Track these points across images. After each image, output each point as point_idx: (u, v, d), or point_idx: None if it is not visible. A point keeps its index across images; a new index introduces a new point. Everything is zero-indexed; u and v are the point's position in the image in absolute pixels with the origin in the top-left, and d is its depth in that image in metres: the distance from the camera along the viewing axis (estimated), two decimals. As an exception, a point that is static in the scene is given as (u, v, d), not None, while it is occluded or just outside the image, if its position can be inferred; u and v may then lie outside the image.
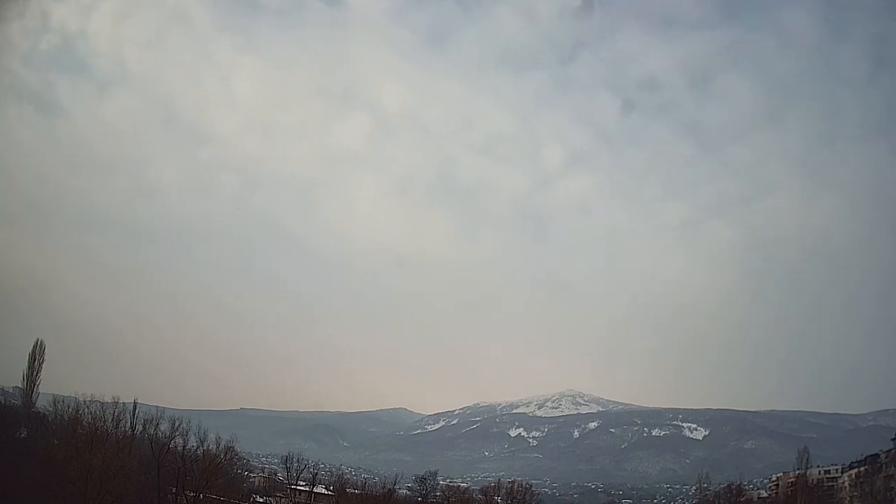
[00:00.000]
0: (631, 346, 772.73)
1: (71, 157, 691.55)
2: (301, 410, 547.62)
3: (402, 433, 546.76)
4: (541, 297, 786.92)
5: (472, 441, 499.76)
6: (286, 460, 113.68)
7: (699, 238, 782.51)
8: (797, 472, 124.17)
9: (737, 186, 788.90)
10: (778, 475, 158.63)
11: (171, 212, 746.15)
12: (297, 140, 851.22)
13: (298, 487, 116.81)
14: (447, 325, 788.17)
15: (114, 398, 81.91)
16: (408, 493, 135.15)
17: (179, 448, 77.02)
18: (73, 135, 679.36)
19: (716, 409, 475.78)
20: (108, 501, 58.51)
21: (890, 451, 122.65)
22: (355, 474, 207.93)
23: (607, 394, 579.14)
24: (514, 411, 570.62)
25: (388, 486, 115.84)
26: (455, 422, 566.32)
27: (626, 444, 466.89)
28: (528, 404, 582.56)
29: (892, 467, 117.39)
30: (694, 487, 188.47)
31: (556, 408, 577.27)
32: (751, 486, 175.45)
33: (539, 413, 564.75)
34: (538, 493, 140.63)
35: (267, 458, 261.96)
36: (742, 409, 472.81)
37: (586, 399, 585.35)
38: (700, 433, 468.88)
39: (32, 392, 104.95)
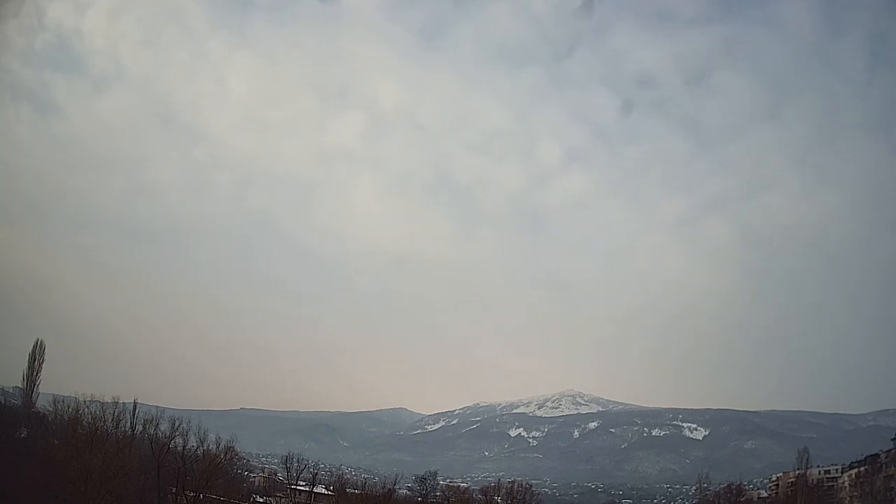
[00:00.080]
0: (631, 345, 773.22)
1: (68, 156, 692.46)
2: (301, 410, 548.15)
3: (402, 433, 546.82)
4: (540, 297, 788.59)
5: (472, 441, 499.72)
6: (286, 460, 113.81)
7: (698, 236, 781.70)
8: (797, 472, 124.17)
9: (735, 183, 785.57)
10: (778, 475, 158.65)
11: (168, 211, 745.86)
12: (292, 138, 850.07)
13: (298, 487, 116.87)
14: (447, 324, 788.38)
15: (114, 398, 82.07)
16: (408, 493, 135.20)
17: (179, 448, 77.05)
18: (69, 133, 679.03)
19: (716, 409, 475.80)
20: (108, 501, 58.51)
21: (890, 451, 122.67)
22: (355, 474, 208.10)
23: (607, 394, 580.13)
24: (514, 411, 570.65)
25: (388, 486, 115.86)
26: (455, 422, 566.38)
27: (626, 444, 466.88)
28: (528, 404, 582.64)
29: (892, 467, 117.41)
30: (694, 487, 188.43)
31: (556, 408, 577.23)
32: (751, 486, 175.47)
33: (539, 413, 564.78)
34: (538, 493, 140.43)
35: (267, 458, 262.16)
36: (742, 409, 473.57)
37: (586, 399, 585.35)
38: (700, 433, 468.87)
39: (32, 392, 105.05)
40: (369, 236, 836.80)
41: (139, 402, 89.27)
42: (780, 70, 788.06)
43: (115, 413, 77.03)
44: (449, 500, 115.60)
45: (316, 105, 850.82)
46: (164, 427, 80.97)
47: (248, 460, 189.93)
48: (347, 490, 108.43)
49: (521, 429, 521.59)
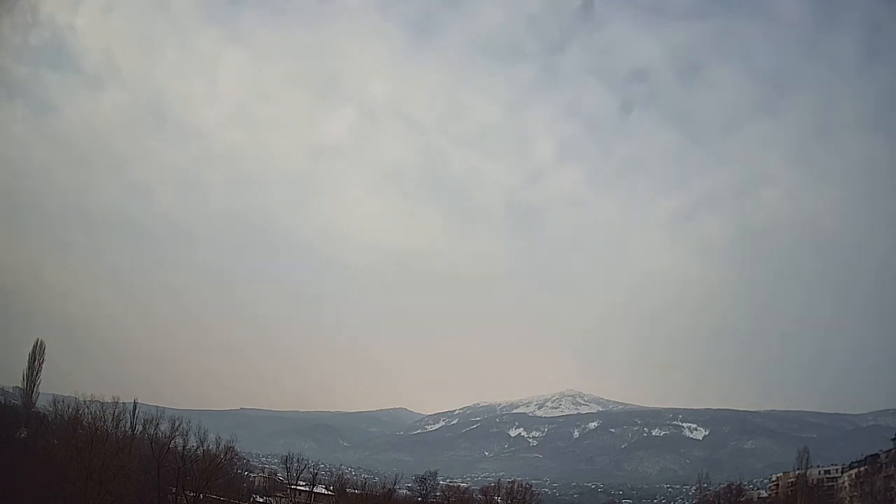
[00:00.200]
0: (630, 345, 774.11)
1: (63, 153, 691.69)
2: (301, 410, 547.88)
3: (402, 433, 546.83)
4: (538, 296, 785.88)
5: (472, 441, 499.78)
6: (286, 460, 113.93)
7: (693, 232, 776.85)
8: (797, 472, 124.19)
9: (730, 179, 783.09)
10: (778, 475, 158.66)
11: (163, 209, 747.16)
12: (283, 134, 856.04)
13: (298, 487, 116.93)
14: (446, 324, 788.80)
15: (114, 398, 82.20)
16: (408, 493, 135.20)
17: (179, 448, 77.08)
18: (64, 131, 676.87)
19: (716, 409, 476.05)
20: (108, 501, 58.49)
21: (890, 451, 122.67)
22: (355, 474, 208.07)
23: (607, 394, 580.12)
24: (514, 411, 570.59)
25: (388, 486, 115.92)
26: (455, 422, 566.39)
27: (626, 444, 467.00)
28: (528, 404, 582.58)
29: (892, 467, 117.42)
30: (694, 487, 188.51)
31: (556, 408, 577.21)
32: (751, 486, 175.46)
33: (539, 413, 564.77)
34: (538, 493, 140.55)
35: (267, 458, 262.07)
36: (742, 409, 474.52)
37: (586, 399, 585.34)
38: (700, 433, 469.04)
39: (32, 392, 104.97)
40: (365, 234, 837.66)
41: (139, 402, 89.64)
42: (774, 63, 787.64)
43: (115, 413, 77.06)
44: (449, 500, 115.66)
45: (307, 100, 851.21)
46: (164, 427, 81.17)
47: (248, 460, 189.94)
48: (347, 490, 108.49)
49: (521, 429, 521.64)
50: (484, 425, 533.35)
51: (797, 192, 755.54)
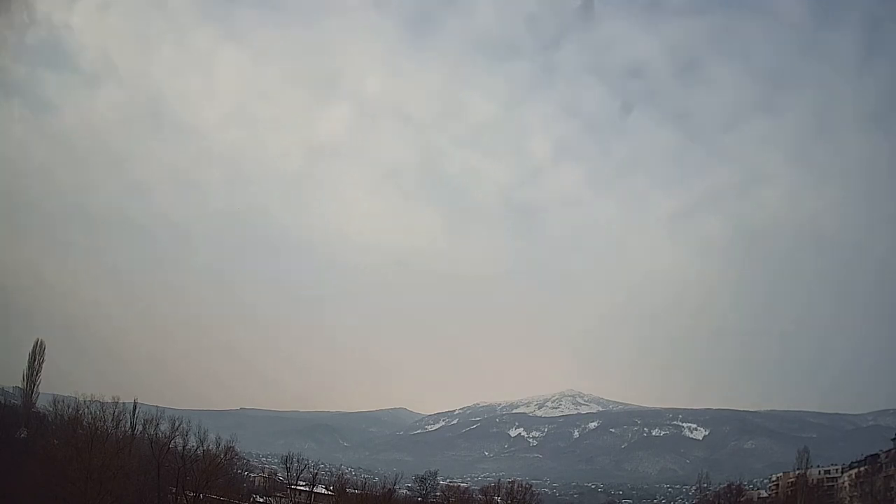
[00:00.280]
0: (630, 345, 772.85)
1: (61, 153, 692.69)
2: (301, 410, 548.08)
3: (402, 433, 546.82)
4: (538, 296, 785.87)
5: (472, 441, 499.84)
6: (286, 460, 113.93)
7: (692, 231, 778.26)
8: (797, 472, 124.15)
9: (728, 177, 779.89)
10: (778, 475, 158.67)
11: (162, 208, 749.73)
12: (281, 132, 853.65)
13: (298, 487, 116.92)
14: (447, 324, 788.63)
15: (114, 398, 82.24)
16: (408, 493, 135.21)
17: (179, 448, 77.07)
18: (62, 130, 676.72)
19: (716, 409, 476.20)
20: (108, 501, 58.49)
21: (890, 451, 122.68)
22: (355, 474, 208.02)
23: (607, 394, 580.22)
24: (514, 411, 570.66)
25: (388, 486, 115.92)
26: (455, 422, 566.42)
27: (626, 444, 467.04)
28: (528, 404, 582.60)
29: (892, 467, 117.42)
30: (694, 487, 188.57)
31: (556, 408, 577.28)
32: (751, 486, 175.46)
33: (539, 413, 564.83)
34: (538, 493, 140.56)
35: (267, 458, 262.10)
36: (742, 409, 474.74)
37: (586, 399, 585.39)
38: (700, 433, 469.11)
39: (32, 392, 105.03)
40: (365, 234, 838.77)
41: (139, 402, 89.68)
42: (773, 60, 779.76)
43: (115, 413, 77.08)
44: (449, 500, 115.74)
45: (305, 99, 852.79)
46: (164, 427, 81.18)
47: (248, 460, 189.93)
48: (347, 490, 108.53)
49: (521, 429, 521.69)
50: (484, 425, 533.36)
51: (797, 191, 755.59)
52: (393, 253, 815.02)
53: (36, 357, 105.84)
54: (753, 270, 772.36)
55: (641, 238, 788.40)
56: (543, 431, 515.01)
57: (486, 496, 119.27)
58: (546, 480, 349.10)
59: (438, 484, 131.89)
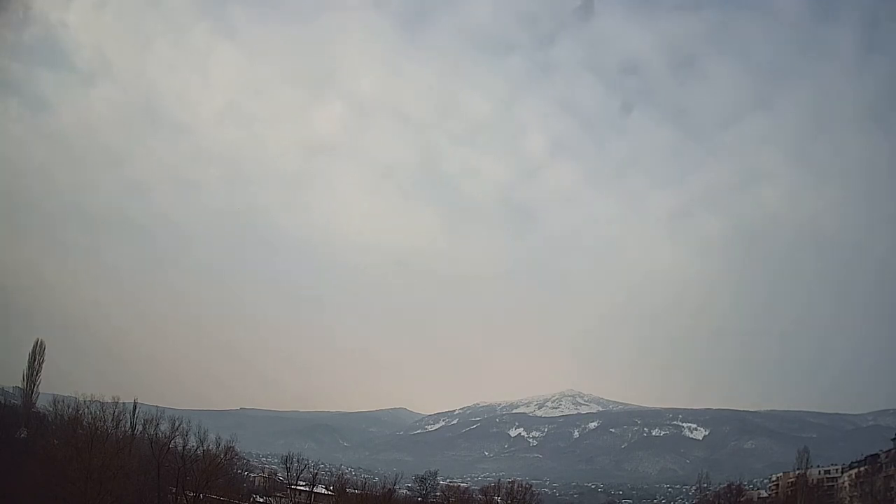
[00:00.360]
0: (630, 345, 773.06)
1: (59, 152, 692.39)
2: (301, 410, 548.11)
3: (402, 433, 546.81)
4: (538, 296, 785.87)
5: (472, 441, 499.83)
6: (286, 460, 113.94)
7: (690, 229, 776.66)
8: (797, 472, 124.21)
9: (726, 175, 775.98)
10: (778, 475, 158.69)
11: (159, 207, 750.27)
12: (277, 130, 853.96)
13: (298, 487, 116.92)
14: (447, 324, 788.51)
15: (114, 398, 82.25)
16: (408, 493, 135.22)
17: (179, 448, 77.07)
18: (59, 129, 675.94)
19: (716, 409, 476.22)
20: (108, 501, 58.48)
21: (890, 451, 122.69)
22: (355, 474, 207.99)
23: (607, 394, 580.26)
24: (514, 411, 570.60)
25: (388, 486, 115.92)
26: (455, 422, 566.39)
27: (626, 444, 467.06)
28: (528, 404, 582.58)
29: (892, 467, 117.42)
30: (694, 487, 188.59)
31: (556, 408, 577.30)
32: (751, 486, 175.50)
33: (539, 413, 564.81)
34: (538, 493, 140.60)
35: (267, 458, 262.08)
36: (742, 409, 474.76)
37: (586, 399, 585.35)
38: (700, 433, 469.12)
39: (32, 392, 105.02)
40: (364, 234, 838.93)
41: (139, 402, 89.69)
42: (771, 57, 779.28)
43: (115, 413, 77.08)
44: (449, 500, 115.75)
45: (301, 97, 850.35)
46: (164, 427, 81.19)
47: (248, 460, 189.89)
48: (347, 490, 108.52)
49: (521, 429, 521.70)
50: (484, 425, 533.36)
51: (797, 190, 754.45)
52: (393, 253, 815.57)
53: (36, 357, 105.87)
54: (753, 270, 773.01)
55: (641, 237, 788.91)
56: (543, 431, 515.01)
57: (486, 496, 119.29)
58: (546, 480, 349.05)
59: (438, 484, 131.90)
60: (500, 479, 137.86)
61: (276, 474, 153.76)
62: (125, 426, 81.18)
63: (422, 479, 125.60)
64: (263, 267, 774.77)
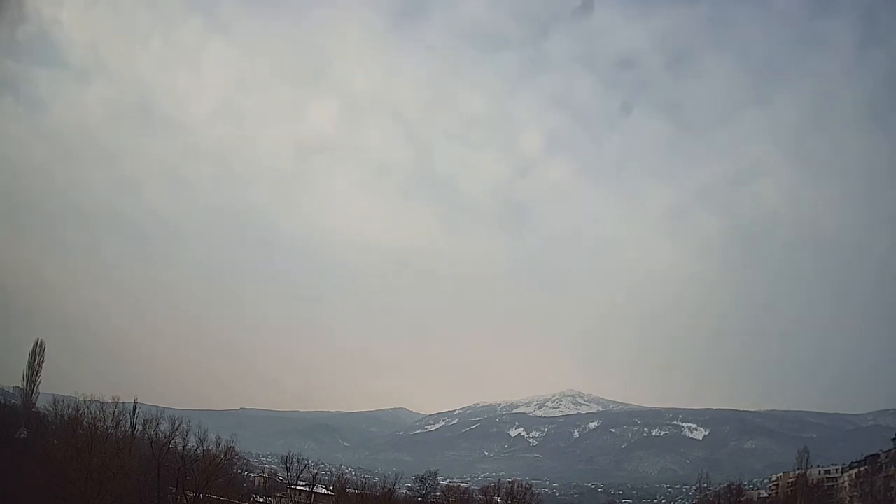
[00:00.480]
0: (630, 345, 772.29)
1: (54, 150, 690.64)
2: (301, 410, 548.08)
3: (402, 433, 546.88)
4: (538, 296, 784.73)
5: (472, 441, 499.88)
6: (286, 460, 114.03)
7: (687, 227, 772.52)
8: (797, 472, 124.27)
9: (723, 171, 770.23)
10: (778, 475, 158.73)
11: (154, 205, 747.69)
12: (269, 127, 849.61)
13: (298, 487, 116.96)
14: (447, 324, 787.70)
15: (114, 398, 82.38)
16: (408, 493, 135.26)
17: (179, 448, 77.12)
18: (54, 127, 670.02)
19: (716, 409, 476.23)
20: (108, 501, 58.51)
21: (890, 451, 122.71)
22: (355, 474, 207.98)
23: (607, 394, 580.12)
24: (514, 411, 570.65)
25: (388, 486, 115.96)
26: (455, 422, 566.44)
27: (626, 444, 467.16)
28: (528, 404, 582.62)
29: (892, 467, 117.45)
30: (694, 487, 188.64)
31: (556, 408, 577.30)
32: (751, 486, 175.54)
33: (539, 413, 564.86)
34: (538, 493, 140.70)
35: (267, 458, 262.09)
36: (742, 409, 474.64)
37: (586, 399, 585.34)
38: (700, 433, 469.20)
39: (32, 392, 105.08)
40: (363, 233, 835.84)
41: (139, 402, 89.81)
42: (769, 52, 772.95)
43: (115, 413, 77.16)
44: (449, 500, 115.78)
45: (293, 93, 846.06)
46: (164, 427, 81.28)
47: (248, 460, 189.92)
48: (347, 490, 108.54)
49: (521, 429, 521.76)
50: (484, 425, 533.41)
51: (795, 189, 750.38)
52: (392, 253, 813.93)
53: (36, 357, 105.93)
54: (753, 270, 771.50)
55: (640, 236, 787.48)
56: (543, 431, 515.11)
57: (486, 496, 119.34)
58: (546, 480, 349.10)
59: (438, 484, 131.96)
60: (500, 479, 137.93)
61: (276, 474, 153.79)
62: (125, 426, 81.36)
63: (422, 479, 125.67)
64: (263, 266, 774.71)
